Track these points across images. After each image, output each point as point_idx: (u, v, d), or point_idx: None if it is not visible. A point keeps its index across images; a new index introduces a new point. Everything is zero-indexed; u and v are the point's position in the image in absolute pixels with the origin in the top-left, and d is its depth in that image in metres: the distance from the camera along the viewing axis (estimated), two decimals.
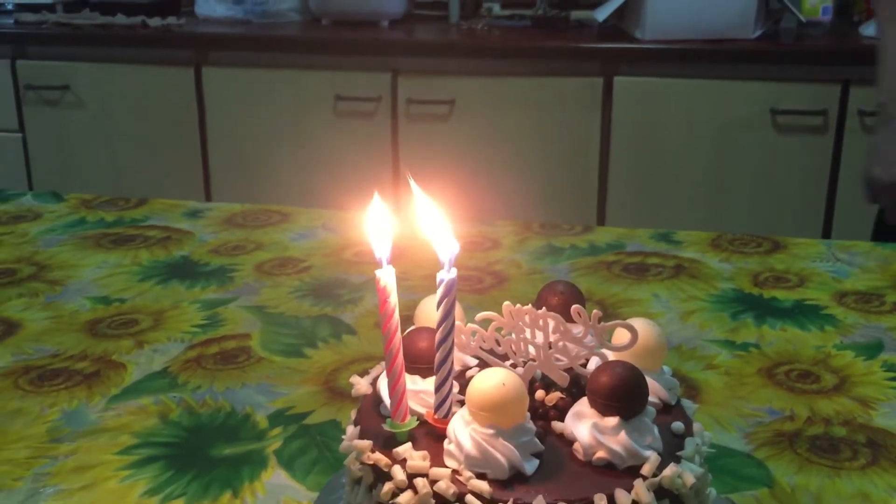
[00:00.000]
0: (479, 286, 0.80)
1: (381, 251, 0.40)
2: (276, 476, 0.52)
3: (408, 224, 0.41)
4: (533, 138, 2.05)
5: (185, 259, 0.87)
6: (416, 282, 0.80)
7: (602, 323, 0.40)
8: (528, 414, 0.38)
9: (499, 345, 0.42)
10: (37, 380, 0.63)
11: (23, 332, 0.70)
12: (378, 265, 0.40)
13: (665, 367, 0.43)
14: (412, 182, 0.40)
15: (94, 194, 1.08)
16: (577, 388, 0.41)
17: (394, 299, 0.40)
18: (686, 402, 0.43)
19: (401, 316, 0.40)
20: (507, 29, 2.24)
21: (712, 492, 0.40)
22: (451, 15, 2.34)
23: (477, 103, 2.06)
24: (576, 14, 2.22)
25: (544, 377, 0.42)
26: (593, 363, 0.42)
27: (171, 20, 2.32)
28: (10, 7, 2.44)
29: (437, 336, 0.40)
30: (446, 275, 0.39)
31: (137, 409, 0.59)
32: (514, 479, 0.36)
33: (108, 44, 2.25)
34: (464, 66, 2.06)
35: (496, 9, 2.35)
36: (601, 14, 2.06)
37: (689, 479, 0.36)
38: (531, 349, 0.42)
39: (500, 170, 2.04)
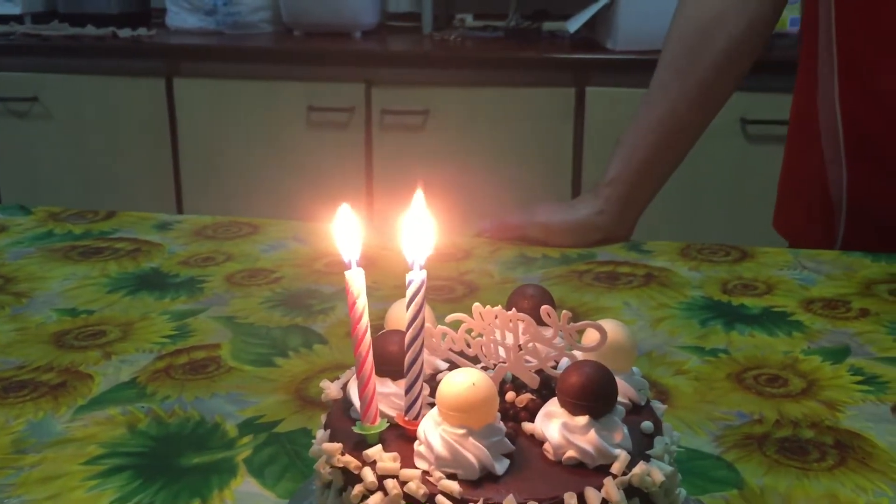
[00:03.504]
0: (450, 295, 0.80)
1: (350, 254, 0.40)
2: (245, 484, 0.51)
3: (379, 234, 0.41)
4: (506, 148, 2.06)
5: (154, 271, 0.86)
6: (387, 291, 0.80)
7: (571, 324, 0.41)
8: (499, 415, 0.38)
9: (469, 347, 0.42)
10: (1, 391, 0.62)
11: None
12: (348, 269, 0.40)
13: (635, 368, 0.44)
14: (419, 192, 0.40)
15: (63, 207, 1.06)
16: (547, 389, 0.41)
17: (363, 301, 0.40)
18: (655, 403, 0.43)
19: (372, 324, 0.40)
20: (480, 40, 2.25)
21: (682, 492, 0.40)
22: (424, 26, 2.35)
23: (450, 114, 2.06)
24: (548, 25, 2.24)
25: (515, 379, 0.42)
26: (564, 365, 0.42)
27: (142, 31, 2.31)
28: None
29: (407, 337, 0.39)
30: (416, 275, 0.39)
31: (105, 419, 0.58)
32: (484, 479, 0.36)
33: (77, 55, 2.24)
34: (437, 76, 2.07)
35: (469, 20, 2.36)
36: (573, 25, 2.07)
37: (659, 477, 0.36)
38: (501, 351, 0.42)
39: (474, 180, 2.05)
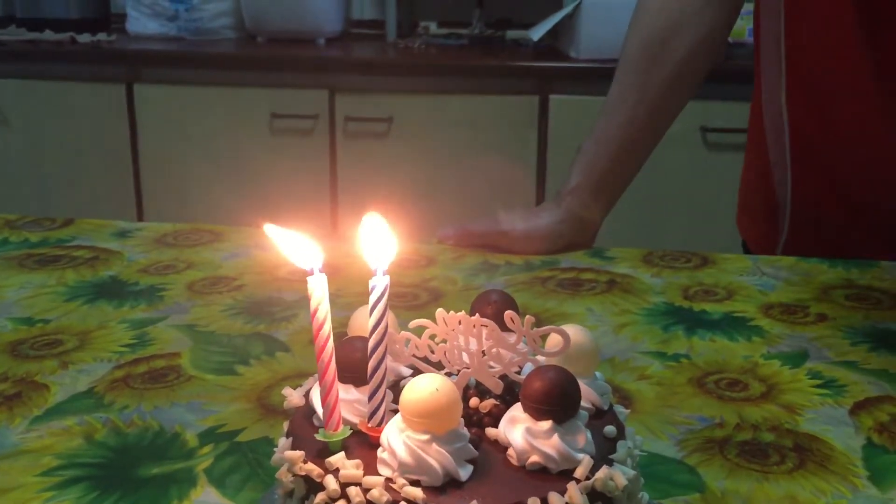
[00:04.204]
0: (414, 302, 0.80)
1: (310, 260, 0.40)
2: (206, 494, 0.50)
3: (343, 241, 0.41)
4: (470, 156, 2.06)
5: (113, 279, 0.85)
6: (350, 298, 0.79)
7: (535, 329, 0.41)
8: (463, 420, 0.38)
9: (432, 352, 0.42)
10: None
11: None
12: (309, 275, 0.39)
13: (597, 373, 0.44)
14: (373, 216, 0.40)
15: (20, 214, 1.04)
16: (510, 395, 0.41)
17: (325, 307, 0.39)
18: (618, 408, 0.43)
19: (335, 332, 0.40)
20: (444, 47, 2.26)
21: (644, 496, 0.40)
22: (388, 33, 2.35)
23: (415, 121, 2.07)
24: (511, 33, 2.26)
25: (478, 384, 0.42)
26: (527, 370, 0.42)
27: (102, 36, 2.28)
28: None
29: (370, 343, 0.39)
30: (378, 280, 0.39)
31: (61, 430, 0.57)
32: (448, 485, 0.36)
33: (35, 60, 2.20)
34: (401, 83, 2.07)
35: (433, 28, 2.37)
36: (536, 33, 2.09)
37: (622, 481, 0.36)
38: (465, 357, 0.42)
39: (438, 187, 2.05)
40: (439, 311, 0.42)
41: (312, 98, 2.07)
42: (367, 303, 0.40)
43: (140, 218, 2.18)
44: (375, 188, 2.00)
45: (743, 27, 2.03)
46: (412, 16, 2.42)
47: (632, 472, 0.37)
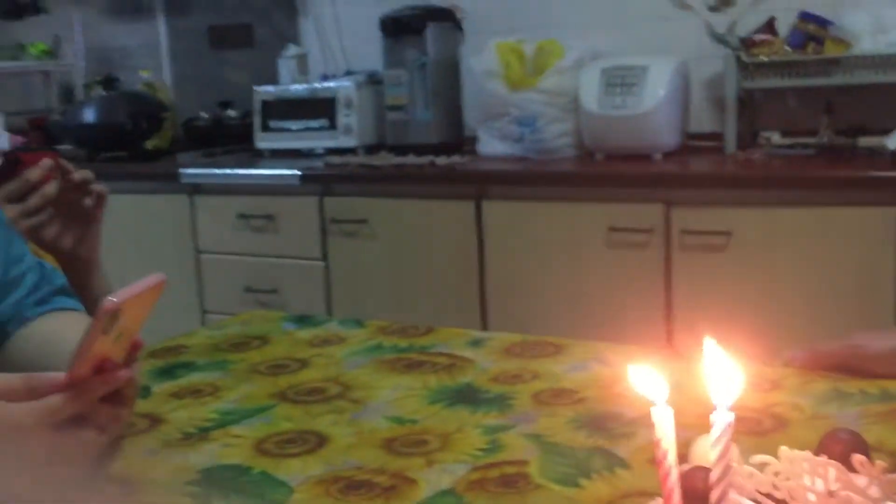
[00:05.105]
0: (757, 429, 0.79)
1: (655, 392, 0.43)
2: None
3: (680, 357, 0.43)
4: (815, 272, 1.96)
5: (467, 385, 0.94)
6: (690, 419, 0.80)
7: (888, 475, 0.40)
8: None
9: (776, 489, 0.43)
10: (345, 489, 0.71)
11: (331, 445, 0.80)
12: (653, 403, 0.43)
13: None
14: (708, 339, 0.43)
15: (389, 321, 1.19)
16: None
17: (669, 439, 0.42)
18: None
19: (675, 453, 0.42)
20: (787, 158, 2.19)
21: None
22: (727, 145, 2.33)
23: (754, 235, 2.01)
24: (864, 141, 2.13)
25: None
26: None
27: (456, 159, 2.53)
28: (320, 152, 2.80)
29: (713, 476, 0.41)
30: (722, 414, 0.41)
31: None
32: None
33: (400, 181, 2.49)
34: (740, 196, 2.04)
35: (776, 138, 2.31)
36: (893, 142, 1.96)
37: None
38: (811, 497, 0.42)
39: (782, 305, 1.96)
40: (784, 449, 0.43)
41: (648, 212, 2.11)
42: (708, 426, 0.42)
43: (485, 327, 2.33)
44: (713, 304, 1.97)
45: None
46: (753, 126, 2.39)
47: None
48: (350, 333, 1.15)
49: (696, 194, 2.08)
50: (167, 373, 1.02)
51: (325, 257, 2.59)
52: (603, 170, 2.30)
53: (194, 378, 1.00)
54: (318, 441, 0.80)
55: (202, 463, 0.77)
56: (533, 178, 2.33)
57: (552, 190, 2.27)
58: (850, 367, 0.90)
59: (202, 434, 0.83)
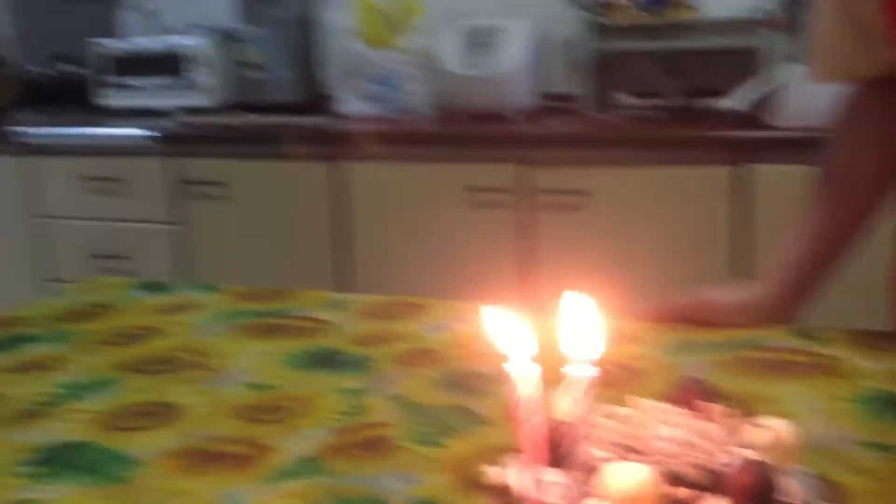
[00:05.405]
0: (612, 380, 0.81)
1: (513, 346, 0.43)
2: None
3: (539, 314, 0.43)
4: (667, 229, 2.04)
5: (328, 349, 0.92)
6: (550, 375, 0.81)
7: (734, 420, 0.41)
8: None
9: (631, 439, 0.44)
10: (199, 462, 0.68)
11: (186, 416, 0.76)
12: (510, 359, 0.42)
13: (802, 467, 0.43)
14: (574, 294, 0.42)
15: (247, 286, 1.15)
16: (711, 484, 0.42)
17: (526, 392, 0.42)
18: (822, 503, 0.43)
19: (535, 409, 0.42)
20: (639, 119, 2.26)
21: None
22: (583, 106, 2.39)
23: (610, 194, 2.08)
24: (710, 102, 2.23)
25: (677, 473, 0.43)
26: (725, 460, 0.43)
27: (319, 119, 2.48)
28: (170, 110, 2.68)
29: (570, 428, 0.41)
30: (579, 368, 0.41)
31: (287, 493, 0.63)
32: None
33: (261, 142, 2.42)
34: (596, 156, 2.09)
35: (628, 99, 2.38)
36: (736, 102, 2.05)
37: None
38: (663, 445, 0.43)
39: (635, 261, 2.03)
40: (635, 399, 0.43)
41: (506, 172, 2.14)
42: (567, 384, 0.42)
43: (347, 290, 2.31)
44: (570, 262, 2.02)
45: None
46: (607, 87, 2.45)
47: None
48: (205, 299, 1.10)
49: (552, 154, 2.12)
50: (2, 347, 0.94)
51: (180, 221, 2.49)
52: (462, 130, 2.31)
53: (33, 351, 0.93)
54: (170, 413, 0.77)
55: (43, 441, 0.72)
56: (393, 139, 2.32)
57: (412, 150, 2.26)
58: (699, 318, 0.94)
59: (43, 410, 0.78)
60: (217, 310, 1.06)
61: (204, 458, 0.68)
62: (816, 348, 0.87)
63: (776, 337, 0.91)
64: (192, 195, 2.46)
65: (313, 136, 2.36)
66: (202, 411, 0.77)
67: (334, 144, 2.33)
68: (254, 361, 0.89)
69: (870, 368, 0.81)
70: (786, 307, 0.95)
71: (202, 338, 0.96)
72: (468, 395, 0.79)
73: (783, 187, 1.93)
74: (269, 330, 0.98)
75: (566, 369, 0.42)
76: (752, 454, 0.41)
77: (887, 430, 0.69)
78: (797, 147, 1.88)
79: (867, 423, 0.70)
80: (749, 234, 1.96)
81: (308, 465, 0.67)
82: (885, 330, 0.91)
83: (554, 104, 2.49)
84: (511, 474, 0.44)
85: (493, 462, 0.48)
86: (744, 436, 0.42)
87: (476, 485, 0.62)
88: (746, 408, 0.73)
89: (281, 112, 2.54)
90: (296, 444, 0.70)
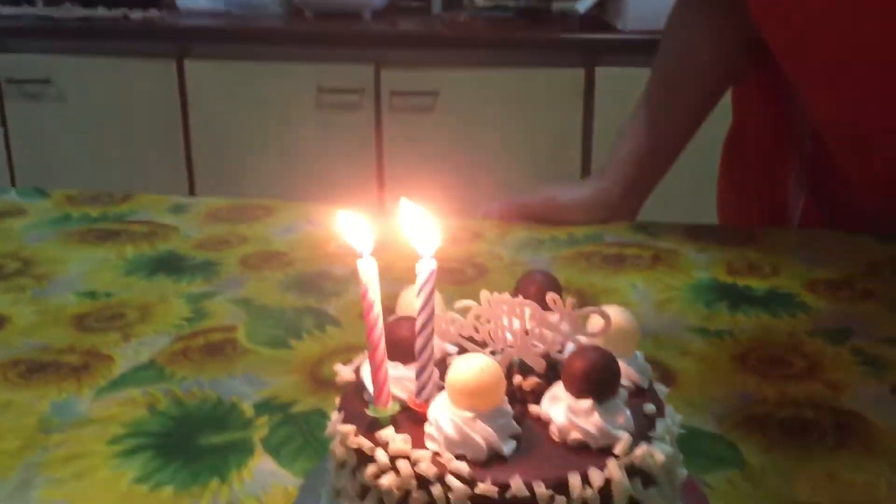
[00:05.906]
0: (460, 278, 0.82)
1: (361, 244, 0.42)
2: (263, 463, 0.53)
3: (389, 215, 0.42)
4: (516, 129, 2.06)
5: (170, 253, 0.88)
6: (398, 273, 0.81)
7: (576, 310, 0.42)
8: (506, 398, 0.39)
9: (477, 332, 0.44)
10: (25, 372, 0.64)
11: (11, 326, 0.71)
12: (359, 258, 0.41)
13: (638, 353, 0.45)
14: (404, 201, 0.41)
15: (78, 189, 1.08)
16: (553, 373, 0.43)
17: (375, 290, 0.41)
18: (658, 386, 0.45)
19: (384, 306, 0.42)
20: (490, 20, 2.25)
21: (684, 472, 0.42)
22: (434, 6, 2.35)
23: (460, 95, 2.07)
24: (557, 5, 2.24)
25: (522, 363, 0.44)
26: (569, 349, 0.44)
27: (153, 12, 2.32)
28: None
29: (418, 324, 0.41)
30: (425, 264, 0.41)
31: (125, 400, 0.60)
32: (492, 459, 0.38)
33: (88, 37, 2.25)
34: (447, 57, 2.07)
35: (479, 0, 2.36)
36: (582, 5, 2.07)
37: (660, 458, 0.38)
38: (509, 336, 0.43)
39: (484, 161, 2.05)
40: (484, 293, 0.43)
41: (358, 72, 2.09)
42: (415, 282, 0.41)
43: (192, 192, 2.22)
44: (421, 162, 2.02)
45: None
46: None
47: (670, 449, 0.39)
48: (31, 204, 1.02)
49: (404, 55, 2.08)
50: None
51: (3, 122, 2.30)
52: (312, 28, 2.22)
53: None
54: None
55: None
56: (239, 36, 2.20)
57: (260, 49, 2.16)
58: (543, 216, 0.96)
59: None
60: (45, 216, 0.98)
61: (33, 368, 0.64)
62: (652, 242, 0.91)
63: (616, 232, 0.94)
64: (11, 94, 2.27)
65: (146, 30, 2.21)
66: (30, 320, 0.72)
67: (171, 41, 2.19)
68: (88, 268, 0.84)
69: (701, 260, 0.86)
70: (624, 203, 0.98)
71: (28, 244, 0.89)
72: (318, 296, 0.77)
73: (632, 90, 1.98)
74: (104, 236, 0.93)
75: (415, 266, 0.41)
76: (590, 341, 0.42)
77: (713, 316, 0.74)
78: (643, 50, 1.93)
79: (697, 310, 0.75)
80: (601, 136, 2.01)
81: (148, 372, 0.64)
82: (714, 224, 0.96)
83: (406, 3, 2.43)
84: (362, 372, 0.44)
85: (344, 361, 0.47)
86: (586, 326, 0.43)
87: (326, 384, 0.62)
88: (589, 300, 0.75)
89: (110, 4, 2.35)
90: (135, 351, 0.67)
